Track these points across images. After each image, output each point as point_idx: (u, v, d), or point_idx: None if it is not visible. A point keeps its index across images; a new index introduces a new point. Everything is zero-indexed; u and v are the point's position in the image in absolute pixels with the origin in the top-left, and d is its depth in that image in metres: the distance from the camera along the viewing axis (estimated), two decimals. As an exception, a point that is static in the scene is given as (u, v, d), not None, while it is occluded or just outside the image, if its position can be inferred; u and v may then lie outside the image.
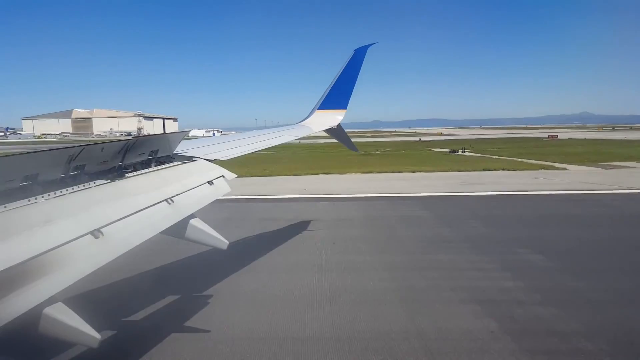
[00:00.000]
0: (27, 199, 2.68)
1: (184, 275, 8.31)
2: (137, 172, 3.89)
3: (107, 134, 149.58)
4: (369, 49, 8.96)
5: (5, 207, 2.51)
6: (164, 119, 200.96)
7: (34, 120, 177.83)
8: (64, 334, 2.46)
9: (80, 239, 2.70)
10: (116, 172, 3.64)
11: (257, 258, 9.03)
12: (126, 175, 3.72)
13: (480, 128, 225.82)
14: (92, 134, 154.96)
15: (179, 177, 4.31)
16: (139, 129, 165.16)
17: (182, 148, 4.99)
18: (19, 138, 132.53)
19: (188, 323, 6.11)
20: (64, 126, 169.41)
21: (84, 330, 2.50)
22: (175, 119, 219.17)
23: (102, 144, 3.42)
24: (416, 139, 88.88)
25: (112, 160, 3.59)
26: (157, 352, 5.34)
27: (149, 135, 4.93)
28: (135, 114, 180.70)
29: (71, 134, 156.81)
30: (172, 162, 4.56)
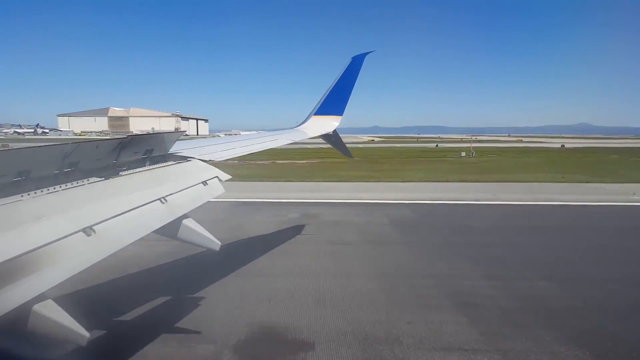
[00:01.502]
0: (20, 195, 2.66)
1: (175, 276, 8.25)
2: (131, 171, 3.87)
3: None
4: (366, 57, 9.01)
5: (-4, 202, 2.49)
6: (197, 119, 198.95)
7: (70, 117, 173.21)
8: (53, 331, 2.43)
9: (72, 236, 2.67)
10: (110, 170, 3.62)
11: (249, 261, 9.00)
12: (120, 173, 3.70)
13: (509, 136, 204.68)
14: (131, 132, 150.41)
15: (173, 176, 4.30)
16: (177, 129, 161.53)
17: (177, 148, 4.98)
18: (59, 135, 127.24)
19: (178, 324, 6.08)
20: (100, 124, 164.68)
21: (73, 328, 2.48)
22: (206, 120, 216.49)
23: (97, 142, 3.40)
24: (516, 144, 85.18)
25: (106, 158, 3.57)
26: (146, 352, 5.30)
27: (144, 134, 4.89)
28: (172, 114, 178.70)
29: (112, 132, 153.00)
30: (166, 161, 4.54)
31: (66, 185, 3.05)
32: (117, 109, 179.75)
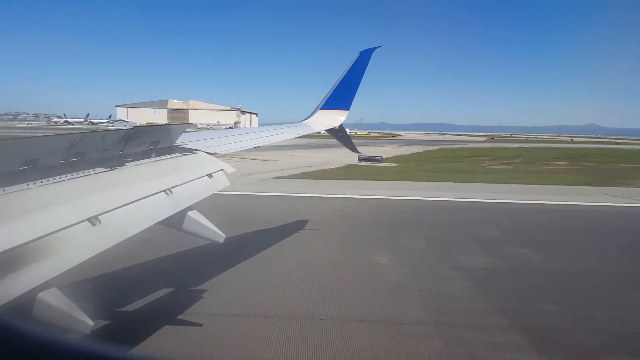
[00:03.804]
0: (26, 184, 2.67)
1: (179, 268, 8.29)
2: (137, 162, 3.88)
3: (214, 126, 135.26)
4: (374, 52, 8.95)
5: (3, 190, 2.51)
6: (251, 113, 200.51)
7: (128, 108, 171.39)
8: (57, 319, 2.45)
9: (77, 225, 2.68)
10: (116, 160, 3.63)
11: (254, 253, 9.03)
12: (126, 164, 3.71)
13: (559, 136, 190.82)
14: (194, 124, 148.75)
15: (178, 168, 4.31)
16: (236, 123, 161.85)
17: (183, 140, 4.99)
18: (125, 126, 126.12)
19: (181, 316, 6.11)
20: (159, 116, 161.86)
21: (77, 316, 2.50)
22: (256, 114, 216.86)
23: (104, 132, 3.42)
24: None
25: (112, 149, 3.58)
26: (148, 343, 5.34)
27: (151, 125, 4.96)
28: (232, 108, 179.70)
29: (176, 124, 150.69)
30: (172, 153, 4.55)
31: (72, 175, 3.06)
32: (176, 101, 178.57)
